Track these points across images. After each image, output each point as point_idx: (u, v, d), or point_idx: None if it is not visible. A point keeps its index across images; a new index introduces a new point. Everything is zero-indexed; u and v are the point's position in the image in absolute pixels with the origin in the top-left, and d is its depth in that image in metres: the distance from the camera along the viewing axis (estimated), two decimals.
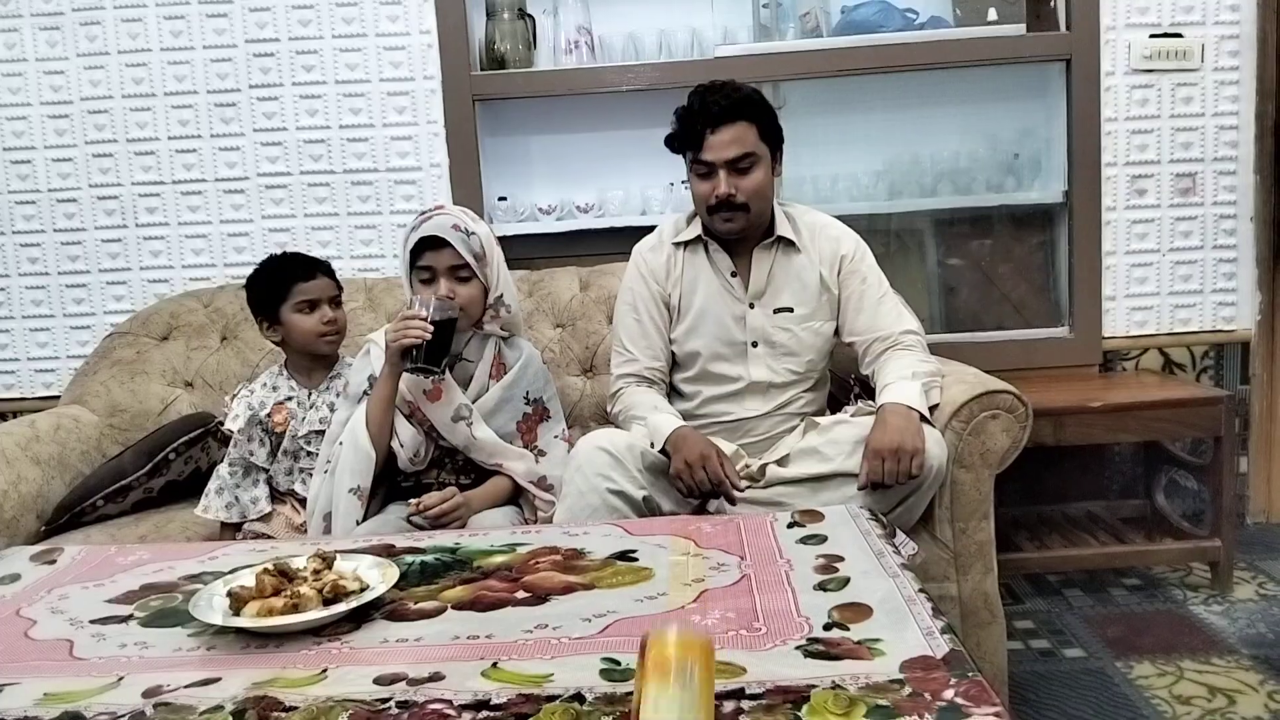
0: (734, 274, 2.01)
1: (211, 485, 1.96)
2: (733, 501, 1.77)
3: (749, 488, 1.85)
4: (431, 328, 1.77)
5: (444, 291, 1.85)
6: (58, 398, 2.52)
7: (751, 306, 2.00)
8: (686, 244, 2.03)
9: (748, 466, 1.91)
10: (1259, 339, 2.75)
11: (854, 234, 2.08)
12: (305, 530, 1.90)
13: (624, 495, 1.76)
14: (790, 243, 2.01)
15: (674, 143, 1.97)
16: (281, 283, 1.99)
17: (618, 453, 1.78)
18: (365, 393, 1.89)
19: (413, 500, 1.78)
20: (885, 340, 1.97)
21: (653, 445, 1.83)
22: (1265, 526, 2.79)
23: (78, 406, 2.34)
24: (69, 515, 2.02)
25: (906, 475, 1.70)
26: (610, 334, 2.31)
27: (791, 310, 2.00)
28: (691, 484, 1.75)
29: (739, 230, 1.95)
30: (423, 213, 1.91)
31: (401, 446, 1.86)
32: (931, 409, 1.84)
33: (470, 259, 1.86)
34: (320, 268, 2.03)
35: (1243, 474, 2.78)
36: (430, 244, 1.86)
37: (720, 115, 1.89)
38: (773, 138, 1.97)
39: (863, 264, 2.03)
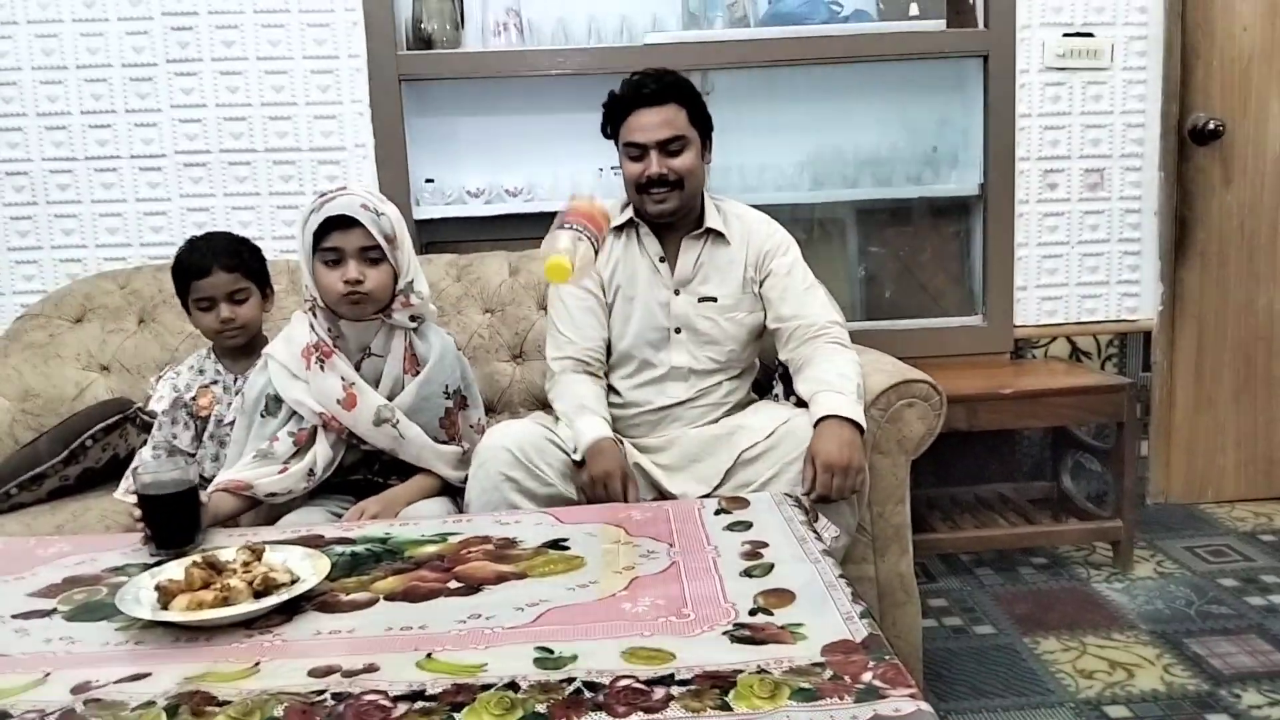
0: (662, 259, 2.02)
1: (135, 467, 1.92)
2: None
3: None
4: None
5: (353, 274, 1.72)
6: None
7: (677, 293, 2.01)
8: (618, 229, 2.02)
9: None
10: (1160, 329, 2.89)
11: (783, 231, 2.09)
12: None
13: (528, 493, 1.77)
14: (719, 235, 2.02)
15: (607, 127, 2.00)
16: (181, 276, 1.94)
17: (521, 452, 1.76)
18: (266, 409, 1.81)
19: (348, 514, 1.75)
20: (810, 328, 1.97)
21: (575, 451, 1.82)
22: (1164, 507, 2.94)
23: None
24: None
25: (851, 492, 1.73)
26: (542, 320, 2.32)
27: (715, 300, 2.02)
28: (592, 498, 1.76)
29: (671, 210, 1.97)
30: (322, 194, 1.77)
31: (311, 476, 1.77)
32: None
33: (381, 240, 1.74)
34: (221, 261, 1.92)
35: (1143, 457, 2.92)
36: (337, 224, 1.72)
37: (651, 97, 1.93)
38: (702, 123, 2.00)
39: (788, 256, 2.05)
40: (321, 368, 1.77)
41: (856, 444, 1.75)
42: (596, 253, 1.62)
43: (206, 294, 1.93)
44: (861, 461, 1.75)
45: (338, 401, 1.76)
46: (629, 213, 2.03)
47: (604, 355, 2.03)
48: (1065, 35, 2.74)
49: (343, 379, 1.77)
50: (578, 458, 1.81)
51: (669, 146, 1.93)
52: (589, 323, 2.01)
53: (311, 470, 1.77)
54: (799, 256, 2.07)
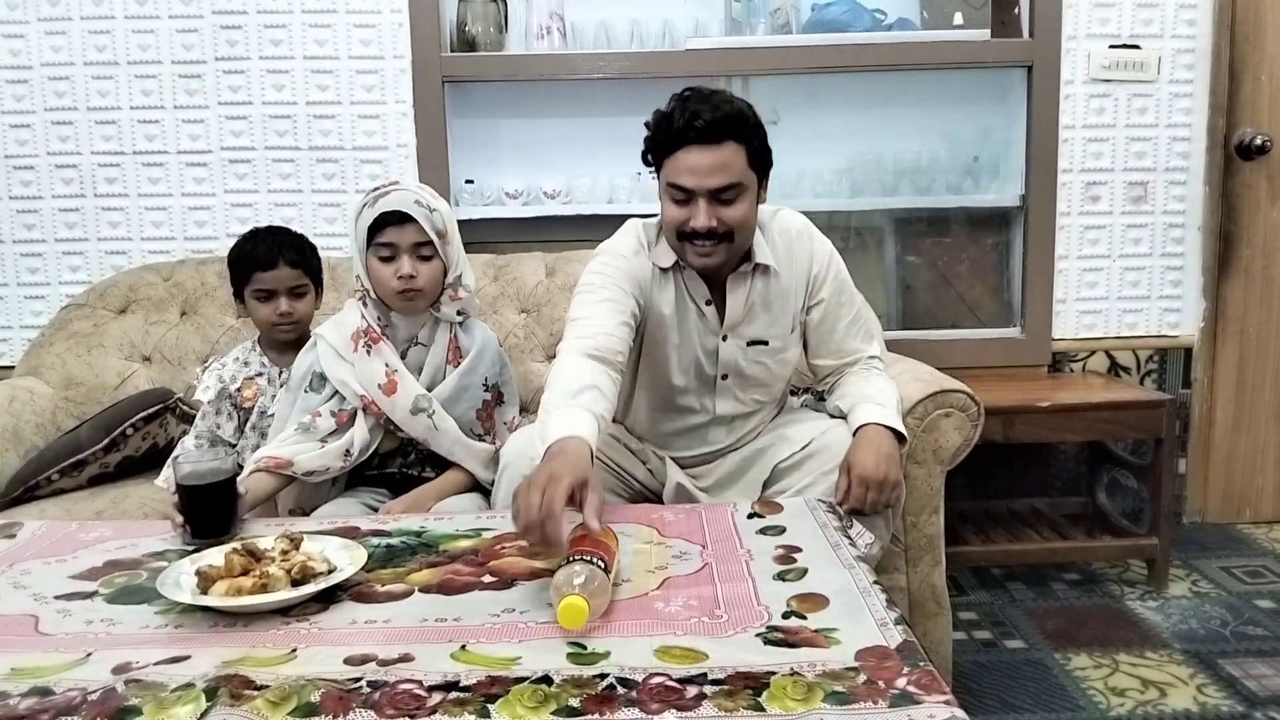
0: (709, 303, 1.79)
1: (176, 456, 1.95)
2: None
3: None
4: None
5: (407, 269, 1.76)
6: (11, 368, 2.49)
7: (724, 339, 1.81)
8: (662, 270, 1.79)
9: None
10: (1201, 345, 2.85)
11: (826, 243, 1.88)
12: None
13: None
14: (768, 268, 1.79)
15: (648, 155, 1.73)
16: (244, 266, 1.98)
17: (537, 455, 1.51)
18: (311, 386, 1.84)
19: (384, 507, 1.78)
20: (851, 365, 1.89)
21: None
22: (1200, 526, 2.90)
23: (32, 378, 2.32)
24: (23, 489, 2.00)
25: (885, 507, 1.69)
26: None
27: (766, 344, 1.83)
28: (518, 508, 1.29)
29: (715, 265, 1.73)
30: (376, 188, 1.81)
31: (348, 456, 1.79)
32: None
33: (434, 236, 1.79)
34: (285, 255, 1.97)
35: (1181, 475, 2.88)
36: (392, 219, 1.77)
37: (705, 132, 1.62)
38: (762, 163, 1.72)
39: (835, 280, 1.85)
40: (368, 352, 1.82)
41: (895, 457, 1.70)
42: (613, 583, 1.23)
43: (269, 286, 1.97)
44: (898, 476, 1.69)
45: (379, 386, 1.81)
46: (672, 255, 1.77)
47: (625, 351, 1.68)
48: (1111, 47, 2.72)
49: (386, 365, 1.82)
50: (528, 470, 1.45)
51: (721, 195, 1.65)
52: (614, 316, 1.69)
53: (349, 450, 1.79)
54: (845, 276, 1.88)
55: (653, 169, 1.74)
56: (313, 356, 1.85)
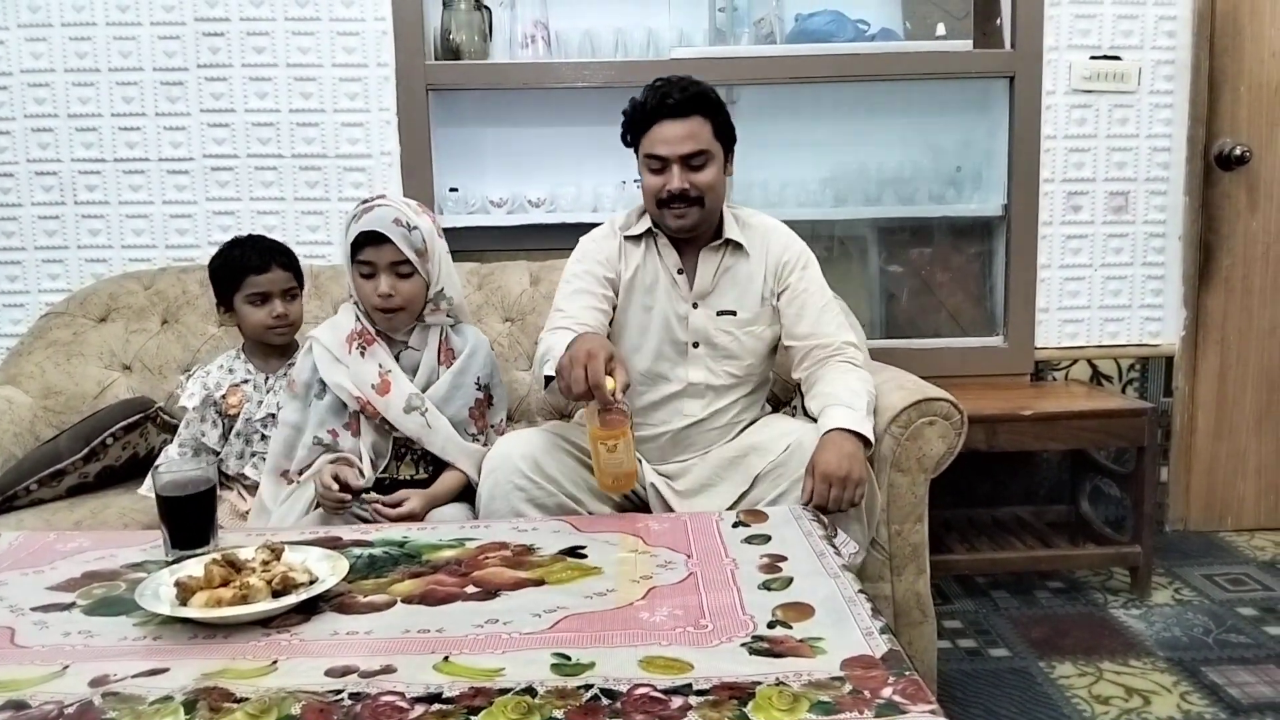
0: (680, 271, 1.96)
1: (158, 465, 1.93)
2: (606, 406, 1.59)
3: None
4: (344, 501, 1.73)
5: (384, 288, 1.80)
6: None
7: (695, 307, 1.96)
8: (635, 238, 1.98)
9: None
10: (1182, 354, 2.87)
11: (801, 242, 2.04)
12: (248, 518, 1.89)
13: (537, 503, 1.74)
14: (738, 246, 1.97)
15: (627, 135, 1.94)
16: (236, 271, 1.98)
17: (531, 461, 1.75)
18: (314, 393, 1.86)
19: (386, 509, 1.79)
20: (825, 348, 1.95)
21: (546, 382, 1.73)
22: (1183, 534, 2.91)
23: (11, 387, 2.29)
24: (1, 499, 1.98)
25: (849, 503, 1.72)
26: None
27: (735, 314, 1.96)
28: (569, 382, 1.58)
29: (690, 226, 1.91)
30: (364, 201, 1.85)
31: (363, 473, 1.83)
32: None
33: (412, 255, 1.81)
34: (277, 259, 2.00)
35: (1163, 483, 2.90)
36: (371, 239, 1.81)
37: (675, 108, 1.86)
38: (726, 136, 1.93)
39: (806, 272, 2.00)
40: (362, 354, 1.87)
41: (858, 456, 1.73)
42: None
43: (263, 289, 1.98)
44: (861, 474, 1.72)
45: (373, 386, 1.84)
46: (646, 222, 1.98)
47: (603, 331, 1.90)
48: (1092, 58, 2.74)
49: (380, 365, 1.86)
50: (550, 370, 1.70)
51: (692, 161, 1.87)
52: (592, 306, 1.91)
53: (373, 460, 1.86)
54: (817, 271, 2.03)
55: (632, 148, 1.95)
56: (311, 360, 1.88)
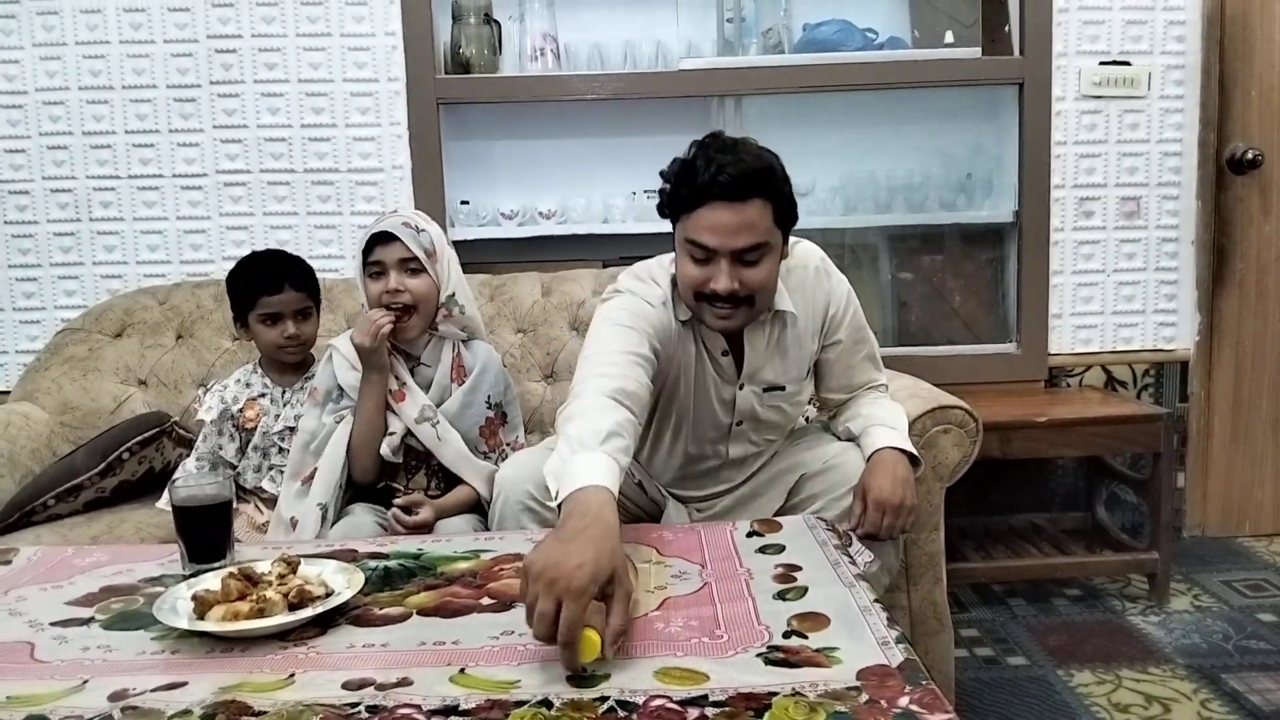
0: (725, 353, 1.73)
1: (175, 479, 1.94)
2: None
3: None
4: (389, 317, 1.81)
5: (392, 284, 1.84)
6: (6, 393, 2.48)
7: (741, 388, 1.75)
8: (681, 322, 1.70)
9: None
10: (1197, 359, 2.85)
11: (843, 282, 1.81)
12: (266, 530, 1.90)
13: (546, 524, 1.61)
14: (787, 313, 1.72)
15: (664, 209, 1.63)
16: (248, 290, 1.99)
17: (540, 484, 1.45)
18: (333, 399, 1.89)
19: (396, 503, 1.82)
20: (854, 394, 1.87)
21: (554, 496, 1.32)
22: (1200, 540, 2.89)
23: (28, 403, 2.31)
24: (19, 514, 1.99)
25: (900, 532, 1.67)
26: (574, 340, 2.33)
27: (782, 389, 1.78)
28: (526, 615, 1.11)
29: (734, 328, 1.65)
30: (378, 216, 1.93)
31: (391, 433, 1.87)
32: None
33: (419, 252, 1.86)
34: (291, 278, 2.00)
35: (1180, 489, 2.88)
36: (380, 239, 1.87)
37: (730, 188, 1.51)
38: (786, 219, 1.61)
39: (851, 321, 1.80)
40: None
41: (911, 482, 1.67)
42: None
43: (275, 309, 1.98)
44: (914, 501, 1.67)
45: (390, 393, 1.89)
46: (686, 311, 1.69)
47: (646, 400, 1.56)
48: (1102, 64, 2.73)
49: (396, 376, 1.89)
50: (554, 502, 1.31)
51: (745, 256, 1.55)
52: (637, 366, 1.55)
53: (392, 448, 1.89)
54: (858, 314, 1.82)
55: (669, 219, 1.64)
56: (331, 368, 1.91)
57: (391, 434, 1.87)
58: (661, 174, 1.62)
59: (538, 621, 1.08)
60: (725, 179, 1.51)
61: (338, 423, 1.88)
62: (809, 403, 1.97)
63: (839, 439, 1.85)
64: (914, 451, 1.73)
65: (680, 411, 1.75)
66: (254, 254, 2.07)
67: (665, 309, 1.67)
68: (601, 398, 1.45)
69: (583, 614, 1.07)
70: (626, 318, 1.62)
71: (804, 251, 1.79)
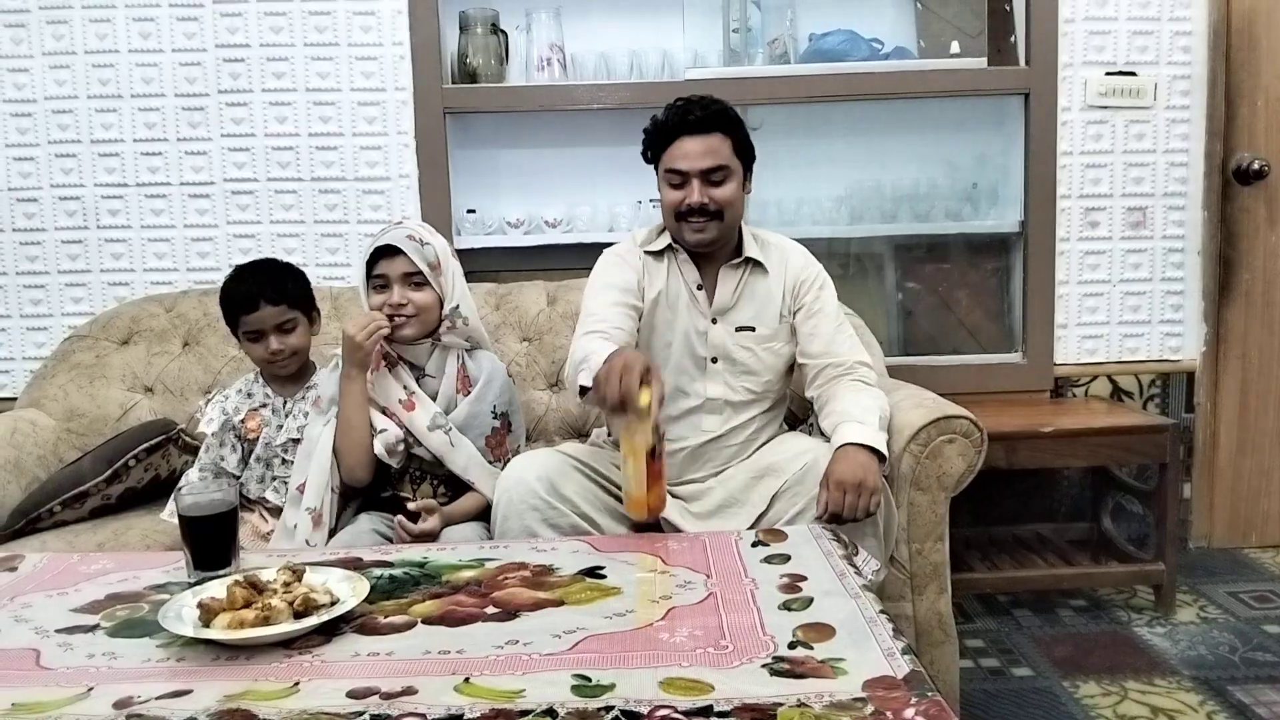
0: (700, 287, 1.98)
1: (180, 488, 1.94)
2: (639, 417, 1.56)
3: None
4: (387, 323, 1.84)
5: (395, 298, 1.86)
6: (13, 399, 2.49)
7: (714, 322, 1.98)
8: (656, 254, 2.00)
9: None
10: (1204, 369, 2.85)
11: (818, 264, 2.07)
12: (270, 539, 1.90)
13: (551, 524, 1.75)
14: (757, 263, 2.00)
15: (648, 151, 1.98)
16: (230, 309, 1.99)
17: (546, 483, 1.76)
18: (336, 405, 1.90)
19: (409, 507, 1.83)
20: (838, 367, 1.96)
21: (581, 391, 1.71)
22: (1207, 551, 2.88)
23: (34, 410, 2.31)
24: (25, 521, 2.00)
25: (865, 512, 1.72)
26: None
27: (753, 330, 1.98)
28: (604, 393, 1.58)
29: (709, 240, 1.94)
30: (382, 228, 1.95)
31: (383, 430, 1.87)
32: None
33: (423, 266, 1.88)
34: (266, 295, 1.95)
35: (1186, 500, 2.87)
36: (384, 253, 1.89)
37: (696, 124, 1.90)
38: (745, 154, 1.97)
39: (823, 292, 2.03)
40: (388, 370, 1.91)
41: (872, 466, 1.74)
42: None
43: (254, 327, 1.97)
44: (875, 482, 1.73)
45: (399, 401, 1.89)
46: (666, 239, 2.00)
47: (633, 336, 1.93)
48: (1108, 74, 2.74)
49: (405, 386, 1.91)
50: (587, 380, 1.68)
51: (711, 176, 1.90)
52: (620, 309, 1.91)
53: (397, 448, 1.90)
54: (833, 293, 2.05)
55: (652, 164, 1.98)
56: (334, 376, 1.91)
57: (383, 431, 1.86)
58: (644, 130, 1.97)
59: (610, 394, 1.55)
60: (692, 117, 1.90)
61: (325, 426, 1.88)
62: (798, 417, 2.03)
63: (825, 438, 1.89)
64: (877, 445, 1.78)
65: (660, 337, 1.98)
66: (238, 269, 2.04)
67: (632, 252, 2.02)
68: (596, 338, 1.81)
69: (636, 379, 1.53)
70: (605, 274, 1.99)
71: (788, 242, 2.09)
